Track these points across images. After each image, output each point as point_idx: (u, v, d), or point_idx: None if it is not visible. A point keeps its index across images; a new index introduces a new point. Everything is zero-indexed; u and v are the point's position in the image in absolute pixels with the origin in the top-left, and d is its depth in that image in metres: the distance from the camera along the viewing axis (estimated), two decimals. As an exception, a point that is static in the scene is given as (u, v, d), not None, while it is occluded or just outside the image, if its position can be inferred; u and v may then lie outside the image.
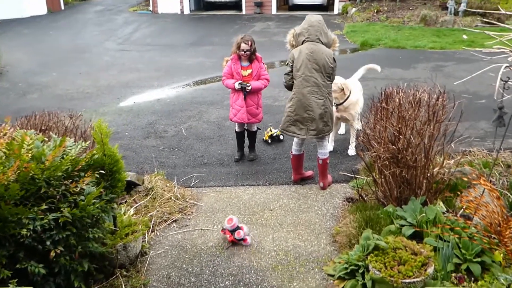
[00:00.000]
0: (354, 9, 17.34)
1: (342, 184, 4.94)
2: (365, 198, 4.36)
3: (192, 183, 5.14)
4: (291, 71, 4.57)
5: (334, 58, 4.50)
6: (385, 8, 16.74)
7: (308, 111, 4.53)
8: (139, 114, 7.63)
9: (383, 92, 4.18)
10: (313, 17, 4.49)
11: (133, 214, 4.26)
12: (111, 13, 21.41)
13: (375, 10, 16.34)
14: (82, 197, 2.98)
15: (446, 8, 14.92)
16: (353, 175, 4.98)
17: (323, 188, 4.81)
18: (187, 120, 7.22)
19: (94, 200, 3.02)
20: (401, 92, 4.04)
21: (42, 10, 23.18)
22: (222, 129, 6.72)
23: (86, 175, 3.06)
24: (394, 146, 3.71)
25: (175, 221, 4.35)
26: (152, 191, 4.72)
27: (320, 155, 4.75)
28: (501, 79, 3.24)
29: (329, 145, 5.61)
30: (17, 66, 11.78)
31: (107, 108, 8.07)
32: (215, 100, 8.09)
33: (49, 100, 8.69)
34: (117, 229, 3.60)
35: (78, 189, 2.97)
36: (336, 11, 19.28)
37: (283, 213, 4.41)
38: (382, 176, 3.97)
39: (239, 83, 5.25)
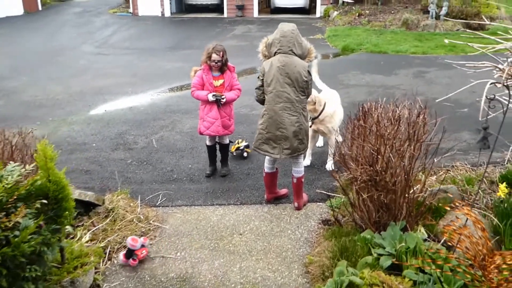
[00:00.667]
0: (335, 13, 17.14)
1: (318, 203, 4.64)
2: (342, 221, 4.07)
3: (159, 202, 4.79)
4: (262, 86, 4.26)
5: (308, 71, 4.17)
6: (367, 11, 16.56)
7: (280, 128, 4.20)
8: (109, 123, 7.24)
9: (360, 108, 3.88)
10: (286, 26, 4.17)
11: (88, 240, 3.90)
12: (90, 15, 20.90)
13: (357, 14, 16.15)
14: (17, 232, 2.61)
15: (428, 12, 14.78)
16: (330, 194, 4.68)
17: (298, 208, 4.49)
18: (159, 130, 6.86)
19: (32, 236, 2.66)
20: (379, 108, 3.75)
21: (18, 10, 22.53)
22: (195, 141, 6.37)
23: (23, 206, 2.70)
24: (371, 168, 3.41)
25: (135, 247, 3.98)
26: (113, 212, 4.35)
27: (295, 173, 4.43)
28: (486, 96, 2.97)
29: (306, 159, 5.31)
30: (-14, 69, 11.26)
31: (76, 117, 7.66)
32: (189, 108, 7.74)
33: (15, 108, 8.25)
34: (65, 262, 3.23)
35: (12, 223, 2.60)
36: (318, 14, 19.07)
37: (254, 237, 4.08)
38: (360, 199, 3.67)
39: (213, 95, 4.92)
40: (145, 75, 10.39)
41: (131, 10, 20.90)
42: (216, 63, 4.90)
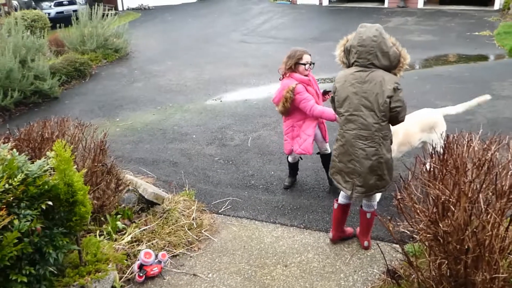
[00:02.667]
0: (518, 5, 14.42)
1: (395, 245, 3.77)
2: (414, 277, 3.20)
3: (222, 209, 4.51)
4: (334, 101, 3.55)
5: (395, 88, 3.20)
6: (560, 5, 13.51)
7: (353, 161, 3.38)
8: (218, 115, 7.21)
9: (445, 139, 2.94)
10: (366, 31, 3.24)
11: (130, 241, 3.82)
12: (251, 3, 21.55)
13: (545, 8, 13.29)
14: (9, 233, 2.58)
15: None
16: (408, 237, 3.77)
17: (367, 247, 3.72)
18: (260, 128, 6.56)
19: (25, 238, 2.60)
20: (469, 143, 2.78)
21: (192, -3, 24.49)
22: (290, 145, 5.88)
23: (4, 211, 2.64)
24: (433, 225, 2.54)
25: (175, 256, 3.78)
26: (169, 214, 4.21)
27: (366, 207, 3.63)
28: None
29: None
30: (143, 52, 12.41)
31: (192, 105, 7.84)
32: (301, 107, 7.23)
33: (149, 91, 8.85)
34: (82, 264, 3.17)
35: (1, 225, 2.56)
36: (496, 7, 16.33)
37: (298, 273, 3.50)
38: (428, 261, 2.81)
39: None
40: (274, 67, 10.04)
41: (290, -2, 20.92)
42: (310, 65, 4.32)
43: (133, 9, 20.88)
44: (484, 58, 10.08)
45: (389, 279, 3.31)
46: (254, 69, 10.08)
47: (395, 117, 3.29)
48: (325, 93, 4.54)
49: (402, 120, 3.36)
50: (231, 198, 4.69)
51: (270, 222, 4.25)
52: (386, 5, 18.54)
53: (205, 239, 4.01)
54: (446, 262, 2.59)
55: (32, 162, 3.00)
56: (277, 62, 10.57)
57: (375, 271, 3.48)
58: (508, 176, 2.47)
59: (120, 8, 20.71)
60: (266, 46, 12.55)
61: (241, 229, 4.15)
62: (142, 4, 21.24)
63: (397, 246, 3.68)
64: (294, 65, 4.29)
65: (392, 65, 3.29)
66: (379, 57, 3.22)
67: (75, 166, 3.68)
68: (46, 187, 2.84)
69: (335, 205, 3.72)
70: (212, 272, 3.57)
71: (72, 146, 3.77)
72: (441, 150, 2.79)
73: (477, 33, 12.36)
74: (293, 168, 4.85)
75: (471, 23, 14.03)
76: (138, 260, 3.50)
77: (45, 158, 3.05)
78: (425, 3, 18.31)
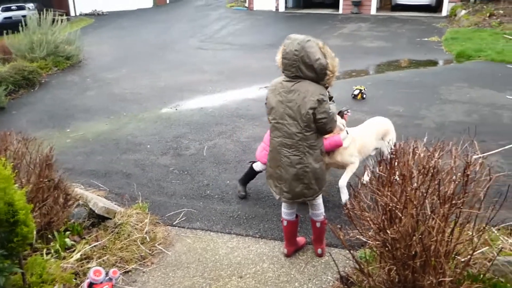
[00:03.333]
0: (463, 12, 15.11)
1: (347, 251, 3.81)
2: (366, 283, 3.24)
3: (177, 221, 4.43)
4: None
5: (320, 100, 3.19)
6: (501, 11, 14.26)
7: (279, 167, 3.43)
8: (173, 124, 7.11)
9: (392, 147, 3.01)
10: (291, 44, 3.21)
11: (80, 259, 3.67)
12: (209, 9, 21.56)
13: (488, 14, 13.99)
14: None
15: None
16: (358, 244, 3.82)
17: (321, 255, 3.74)
18: (216, 136, 6.51)
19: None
20: (417, 150, 2.85)
21: (149, 3, 24.23)
22: (246, 153, 5.88)
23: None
24: (382, 233, 2.58)
25: (127, 272, 3.67)
26: (120, 228, 4.09)
27: (314, 216, 3.65)
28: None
29: (343, 194, 4.41)
30: (97, 59, 12.12)
31: (147, 114, 7.70)
32: (257, 114, 7.26)
33: (102, 100, 8.63)
34: (26, 286, 3.01)
35: None
36: (444, 13, 17.08)
37: (253, 284, 3.48)
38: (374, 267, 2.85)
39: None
40: (231, 73, 10.16)
41: (247, 4, 21.04)
42: None
43: (86, 14, 20.38)
44: (433, 63, 10.47)
45: (342, 285, 3.34)
46: (211, 76, 10.04)
47: (322, 128, 3.32)
48: (340, 113, 4.36)
49: (331, 131, 3.42)
50: (185, 209, 4.62)
51: (225, 233, 4.21)
52: (340, 11, 19.00)
53: (158, 253, 3.92)
54: (394, 268, 2.64)
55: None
56: (233, 68, 10.65)
57: (329, 278, 3.51)
58: (451, 182, 2.54)
59: (72, 13, 20.18)
60: (223, 52, 12.54)
61: (196, 241, 4.09)
62: (95, 10, 20.78)
63: (352, 252, 3.73)
64: None
65: (319, 77, 3.27)
66: (303, 70, 3.22)
67: (19, 183, 3.53)
68: (-16, 207, 2.69)
69: (284, 223, 3.73)
70: (165, 287, 3.49)
71: (14, 162, 3.62)
72: (389, 158, 2.85)
73: (426, 39, 12.85)
74: (252, 177, 4.82)
75: (421, 29, 14.57)
76: (88, 278, 3.37)
77: (-17, 176, 2.89)
78: (377, 10, 18.92)
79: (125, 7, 22.07)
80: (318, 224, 3.65)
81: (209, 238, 4.13)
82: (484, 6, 15.16)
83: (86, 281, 3.37)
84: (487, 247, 3.45)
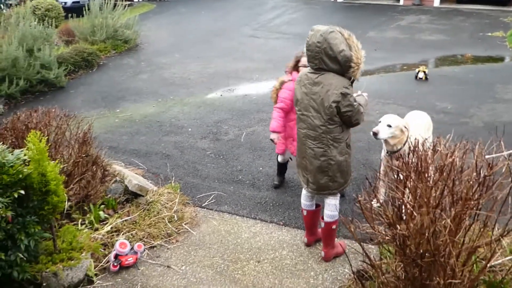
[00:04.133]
0: (536, 6, 14.07)
1: (368, 244, 3.77)
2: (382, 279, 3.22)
3: (206, 203, 4.58)
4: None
5: (345, 93, 3.16)
6: None
7: (305, 158, 3.45)
8: (216, 109, 7.27)
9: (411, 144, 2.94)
10: (313, 35, 3.19)
11: (110, 231, 3.91)
12: (266, -4, 21.49)
13: None
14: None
15: None
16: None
17: (325, 259, 3.64)
18: (256, 123, 6.59)
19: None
20: (438, 148, 2.77)
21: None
22: (282, 141, 5.90)
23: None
24: (392, 228, 2.55)
25: (152, 247, 3.86)
26: (151, 206, 4.29)
27: (325, 216, 3.56)
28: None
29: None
30: (153, 44, 12.52)
31: (192, 98, 7.92)
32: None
33: (153, 83, 8.95)
34: (56, 252, 3.26)
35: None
36: (515, 7, 15.99)
37: (270, 270, 3.55)
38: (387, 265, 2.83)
39: None
40: (279, 62, 10.12)
41: (305, -7, 20.78)
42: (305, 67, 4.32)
43: (148, 0, 21.00)
44: (493, 59, 9.90)
45: (356, 279, 3.33)
46: (259, 64, 10.10)
47: (348, 120, 3.29)
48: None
49: (358, 123, 3.36)
50: (216, 192, 4.76)
51: (250, 218, 4.30)
52: (401, 2, 18.27)
53: (184, 232, 4.08)
54: (402, 265, 2.61)
55: (12, 151, 3.10)
56: (282, 57, 10.61)
57: (346, 270, 3.51)
58: (467, 182, 2.46)
59: (135, -1, 20.86)
60: (274, 41, 12.54)
61: (221, 224, 4.21)
62: (157, -4, 21.34)
63: (372, 246, 3.70)
64: (294, 65, 4.33)
65: (343, 69, 3.20)
66: (326, 62, 3.18)
67: (59, 157, 3.80)
68: (20, 176, 2.94)
69: (304, 212, 3.74)
70: (186, 265, 3.64)
71: (56, 137, 3.89)
72: (407, 154, 2.80)
73: (490, 34, 12.13)
74: (282, 168, 4.87)
75: (485, 23, 13.77)
76: (114, 250, 3.59)
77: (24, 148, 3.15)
78: (441, 2, 18.01)
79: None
80: (322, 224, 3.57)
81: (234, 222, 4.24)
82: (560, 0, 14.04)
83: (113, 252, 3.59)
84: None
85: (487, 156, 2.44)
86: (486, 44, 11.03)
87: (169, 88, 8.58)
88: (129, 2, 17.22)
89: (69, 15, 12.43)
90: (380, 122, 3.95)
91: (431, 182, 2.59)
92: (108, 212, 4.25)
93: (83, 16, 11.83)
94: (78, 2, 16.98)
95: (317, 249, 3.78)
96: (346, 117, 3.27)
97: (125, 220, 4.08)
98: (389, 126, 3.88)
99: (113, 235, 3.89)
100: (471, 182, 2.40)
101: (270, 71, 9.45)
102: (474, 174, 2.43)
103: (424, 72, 8.30)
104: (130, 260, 3.57)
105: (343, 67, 3.17)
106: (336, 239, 3.72)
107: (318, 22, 13.00)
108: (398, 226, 2.55)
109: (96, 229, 3.94)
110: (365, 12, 16.84)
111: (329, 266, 3.57)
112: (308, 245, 3.84)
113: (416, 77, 8.35)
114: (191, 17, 16.54)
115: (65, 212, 3.81)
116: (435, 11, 16.35)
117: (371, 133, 3.92)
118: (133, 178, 4.60)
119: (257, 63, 10.17)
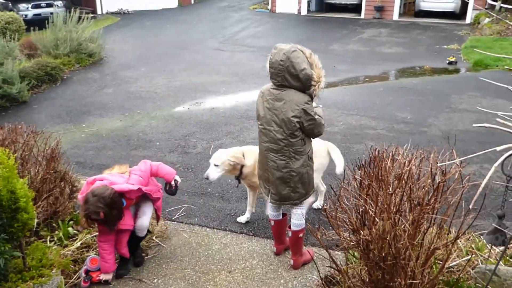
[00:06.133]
0: (486, 20, 14.92)
1: (335, 251, 3.91)
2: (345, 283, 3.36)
3: (176, 216, 4.63)
4: None
5: (304, 109, 3.29)
6: (526, 21, 14.01)
7: (267, 170, 3.57)
8: (183, 122, 7.33)
9: (370, 153, 3.11)
10: (277, 54, 3.27)
11: (80, 247, 3.90)
12: (231, 10, 21.77)
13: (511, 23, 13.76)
14: None
15: None
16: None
17: (294, 267, 3.75)
18: (224, 136, 6.70)
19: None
20: (396, 157, 2.96)
21: (173, 3, 24.59)
22: (250, 153, 6.03)
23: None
24: (356, 234, 2.70)
25: (123, 262, 3.87)
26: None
27: (292, 225, 3.68)
28: (503, 172, 2.07)
29: (244, 216, 4.50)
30: (118, 57, 12.46)
31: (160, 112, 7.95)
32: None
33: (118, 97, 8.92)
34: (25, 270, 3.24)
35: None
36: (468, 20, 16.86)
37: (240, 279, 3.64)
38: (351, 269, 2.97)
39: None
40: (245, 75, 10.34)
41: (269, 6, 21.19)
42: None
43: (112, 13, 20.85)
44: (449, 71, 10.42)
45: (324, 284, 3.47)
46: (225, 77, 10.24)
47: (310, 133, 3.45)
48: None
49: (320, 134, 3.53)
50: (186, 205, 4.81)
51: (220, 229, 4.38)
52: (362, 16, 18.94)
53: (155, 245, 4.12)
54: (366, 268, 2.75)
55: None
56: (248, 70, 10.82)
57: (314, 277, 3.63)
58: (423, 188, 2.64)
59: (99, 11, 20.68)
60: (240, 54, 12.74)
61: (192, 236, 4.27)
62: (121, 8, 21.23)
63: (338, 252, 3.85)
64: None
65: (305, 86, 3.33)
66: (288, 79, 3.30)
67: (27, 174, 3.78)
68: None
69: (272, 223, 3.85)
70: (157, 278, 3.68)
71: (23, 153, 3.86)
72: (368, 164, 2.97)
73: (445, 47, 12.76)
74: None
75: (441, 36, 14.46)
76: (85, 265, 3.58)
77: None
78: (400, 15, 18.79)
79: (150, 7, 22.45)
80: (290, 233, 3.67)
81: (204, 234, 4.31)
82: (509, 15, 14.92)
83: (83, 268, 3.58)
84: (472, 255, 3.54)
85: (439, 164, 2.63)
86: (443, 57, 11.58)
87: (135, 102, 8.57)
88: (93, 15, 17.08)
89: (31, 28, 12.21)
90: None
91: (391, 189, 2.76)
92: (77, 228, 4.23)
93: (45, 28, 11.66)
94: (40, 14, 16.70)
95: (286, 258, 3.90)
96: (309, 130, 3.42)
97: (95, 236, 4.06)
98: (216, 165, 4.09)
99: (83, 251, 3.88)
100: (426, 188, 2.59)
101: (237, 84, 9.61)
102: (429, 180, 2.61)
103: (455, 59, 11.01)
104: (102, 276, 3.57)
105: (304, 84, 3.31)
106: (304, 247, 3.85)
107: (282, 35, 13.41)
108: (361, 231, 2.71)
109: (66, 246, 3.92)
110: (328, 25, 17.33)
111: (298, 274, 3.69)
112: (277, 254, 3.95)
113: (449, 62, 10.88)
114: (156, 31, 16.56)
115: (34, 229, 3.77)
116: (394, 24, 17.02)
117: (204, 177, 4.17)
118: (102, 193, 4.58)
119: (223, 76, 10.31)
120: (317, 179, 4.33)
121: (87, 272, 3.55)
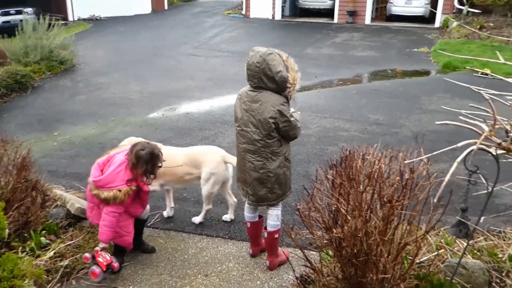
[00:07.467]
0: (454, 23, 15.33)
1: (309, 250, 3.96)
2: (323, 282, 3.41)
3: (151, 222, 4.59)
4: None
5: (279, 110, 3.35)
6: (491, 24, 14.49)
7: (244, 171, 3.62)
8: (158, 128, 7.30)
9: (341, 153, 3.18)
10: (254, 56, 3.35)
11: (53, 257, 3.84)
12: (205, 16, 21.78)
13: (478, 26, 14.21)
14: None
15: None
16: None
17: (270, 268, 3.79)
18: (199, 142, 6.69)
19: None
20: (367, 156, 3.03)
21: (147, 9, 24.45)
22: (225, 158, 6.04)
23: None
24: (328, 232, 2.75)
25: (98, 270, 3.82)
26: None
27: (268, 226, 3.73)
28: (466, 167, 2.16)
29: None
30: (91, 64, 12.31)
31: (134, 118, 7.89)
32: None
33: (90, 104, 8.81)
34: (-4, 280, 3.17)
35: None
36: (437, 24, 17.31)
37: (217, 282, 3.64)
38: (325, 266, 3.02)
39: None
40: (220, 80, 10.36)
41: (243, 12, 21.29)
42: None
43: (84, 19, 20.58)
44: (419, 73, 10.69)
45: (300, 284, 3.51)
46: (199, 82, 10.24)
47: (286, 135, 3.50)
48: None
49: (295, 137, 3.58)
50: (161, 211, 4.78)
51: (196, 234, 4.37)
52: (335, 20, 19.23)
53: (130, 252, 4.08)
54: (339, 265, 2.81)
55: None
56: (222, 75, 10.85)
57: (290, 277, 3.67)
58: (392, 186, 2.72)
59: (70, 18, 20.36)
60: (214, 59, 12.76)
61: (168, 241, 4.25)
62: (93, 15, 20.98)
63: (312, 252, 3.89)
64: None
65: (280, 88, 3.40)
66: (265, 81, 3.36)
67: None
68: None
69: (248, 225, 3.88)
70: (133, 285, 3.65)
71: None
72: (340, 163, 3.03)
73: (416, 50, 13.07)
74: None
75: (412, 40, 14.80)
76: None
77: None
78: (372, 20, 19.16)
79: (123, 13, 22.26)
80: (265, 234, 3.72)
81: (180, 239, 4.30)
82: (475, 19, 15.38)
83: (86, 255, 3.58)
84: (442, 250, 3.64)
85: (406, 161, 2.71)
86: (413, 60, 11.87)
87: (109, 109, 8.49)
88: (64, 22, 16.84)
89: (0, 35, 11.97)
90: None
91: (362, 187, 2.83)
92: (50, 237, 4.16)
93: (14, 36, 11.44)
94: (9, 22, 16.37)
95: (262, 259, 3.93)
96: (284, 132, 3.47)
97: (69, 245, 4.01)
98: None
99: (56, 261, 3.82)
100: (395, 186, 2.66)
101: (211, 89, 9.62)
102: (398, 178, 2.68)
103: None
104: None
105: (280, 86, 3.37)
106: (279, 247, 3.88)
107: (256, 40, 13.48)
108: (334, 230, 2.76)
109: (38, 256, 3.85)
110: (302, 30, 17.53)
111: (274, 274, 3.72)
112: (253, 256, 3.98)
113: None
114: (129, 36, 16.44)
115: (5, 240, 3.70)
116: (366, 28, 17.33)
117: None
118: (76, 201, 4.54)
119: (197, 82, 10.30)
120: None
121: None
